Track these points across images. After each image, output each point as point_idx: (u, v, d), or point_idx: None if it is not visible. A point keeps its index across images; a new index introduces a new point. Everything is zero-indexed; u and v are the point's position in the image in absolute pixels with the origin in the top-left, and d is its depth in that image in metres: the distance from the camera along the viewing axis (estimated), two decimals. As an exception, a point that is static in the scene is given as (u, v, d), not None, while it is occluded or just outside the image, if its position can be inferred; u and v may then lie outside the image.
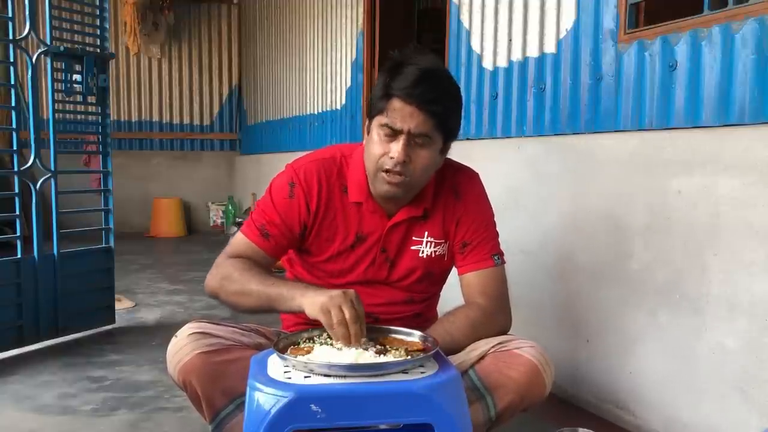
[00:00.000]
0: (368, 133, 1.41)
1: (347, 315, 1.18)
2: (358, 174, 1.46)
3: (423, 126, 1.33)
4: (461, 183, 1.53)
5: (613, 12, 1.98)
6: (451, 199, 1.51)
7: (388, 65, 1.38)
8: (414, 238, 1.50)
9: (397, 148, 1.34)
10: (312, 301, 1.23)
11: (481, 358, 1.39)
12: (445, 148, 1.44)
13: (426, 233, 1.51)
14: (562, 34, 2.20)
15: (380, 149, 1.36)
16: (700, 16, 1.70)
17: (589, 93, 2.08)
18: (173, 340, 1.36)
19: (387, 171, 1.36)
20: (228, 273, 1.40)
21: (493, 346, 1.39)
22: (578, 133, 2.13)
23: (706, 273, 1.67)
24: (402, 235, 1.50)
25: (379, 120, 1.36)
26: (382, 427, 1.25)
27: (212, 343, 1.33)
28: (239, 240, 1.47)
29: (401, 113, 1.33)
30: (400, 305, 1.53)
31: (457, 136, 1.46)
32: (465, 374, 1.37)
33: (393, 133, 1.35)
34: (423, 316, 1.59)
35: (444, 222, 1.51)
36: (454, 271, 1.62)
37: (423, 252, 1.51)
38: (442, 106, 1.35)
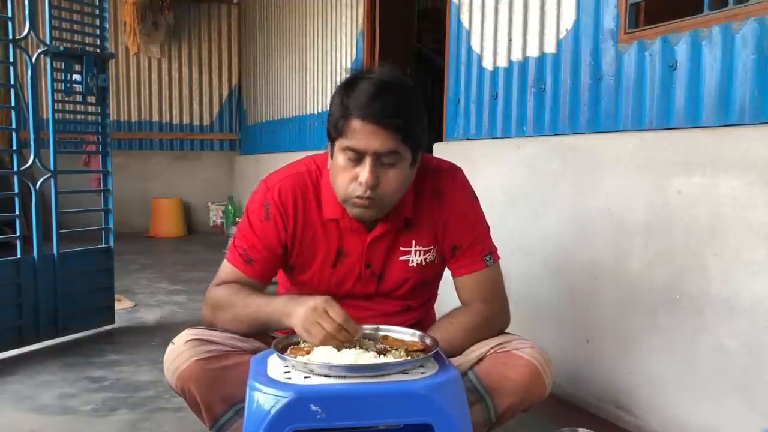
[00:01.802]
0: (331, 157, 1.34)
1: (327, 328, 1.17)
2: (332, 190, 1.38)
3: (388, 143, 1.25)
4: (442, 184, 1.45)
5: (613, 12, 1.98)
6: (434, 203, 1.44)
7: (342, 83, 1.31)
8: (401, 248, 1.44)
9: (364, 172, 1.26)
10: (295, 323, 1.22)
11: (481, 359, 1.39)
12: (415, 161, 1.34)
13: (413, 242, 1.44)
14: (562, 34, 2.20)
15: (346, 175, 1.29)
16: (700, 16, 1.70)
17: (589, 93, 2.08)
18: (170, 347, 1.35)
19: (357, 197, 1.29)
20: (217, 302, 1.39)
21: (492, 347, 1.39)
22: (578, 133, 2.13)
23: (706, 273, 1.67)
24: (387, 248, 1.44)
25: (340, 143, 1.28)
26: (382, 427, 1.25)
27: (210, 350, 1.32)
28: (226, 268, 1.44)
29: (362, 133, 1.24)
30: (397, 315, 1.49)
31: (425, 146, 1.37)
32: (464, 376, 1.36)
33: (358, 156, 1.27)
34: (422, 323, 1.53)
35: (430, 227, 1.45)
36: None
37: (413, 261, 1.45)
38: (404, 118, 1.25)
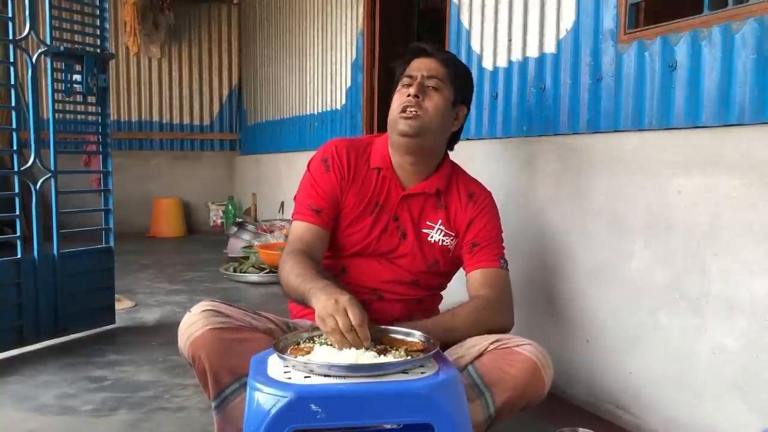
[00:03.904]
0: (394, 92, 1.61)
1: (340, 323, 1.19)
2: (382, 148, 1.64)
3: (434, 70, 1.56)
4: (476, 192, 1.67)
5: (612, 12, 1.98)
6: (467, 202, 1.64)
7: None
8: (428, 222, 1.62)
9: (412, 87, 1.55)
10: (315, 307, 1.27)
11: (481, 354, 1.40)
12: (460, 114, 1.66)
13: (440, 221, 1.62)
14: (562, 34, 2.20)
15: (399, 97, 1.57)
16: (700, 16, 1.70)
17: (588, 93, 2.08)
18: (186, 315, 1.41)
19: (404, 110, 1.54)
20: (282, 266, 1.52)
21: (492, 343, 1.40)
22: (578, 133, 2.13)
23: (706, 273, 1.67)
24: (416, 213, 1.62)
25: (400, 82, 1.59)
26: (386, 426, 1.25)
27: (224, 321, 1.37)
28: (295, 226, 1.61)
29: (417, 65, 1.58)
30: (406, 286, 1.61)
31: (470, 101, 1.68)
32: (464, 370, 1.38)
33: (410, 82, 1.56)
34: (425, 304, 1.64)
35: (457, 219, 1.63)
36: (458, 275, 1.64)
37: (432, 237, 1.62)
38: (450, 57, 1.62)
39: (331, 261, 1.65)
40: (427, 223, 1.62)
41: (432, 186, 1.62)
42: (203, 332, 1.34)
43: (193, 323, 1.36)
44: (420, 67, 1.57)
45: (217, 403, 1.36)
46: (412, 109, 1.53)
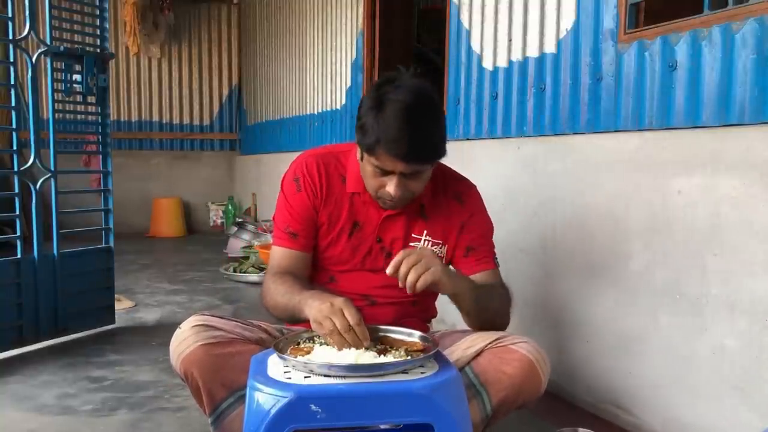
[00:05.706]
0: (360, 158, 1.43)
1: (337, 324, 1.19)
2: (357, 167, 1.51)
3: (414, 168, 1.36)
4: (464, 192, 1.59)
5: (613, 12, 1.98)
6: (454, 204, 1.56)
7: (370, 98, 1.35)
8: (413, 235, 1.55)
9: (391, 186, 1.38)
10: (309, 314, 1.26)
11: (478, 354, 1.41)
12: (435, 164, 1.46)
13: (425, 232, 1.55)
14: (562, 34, 2.20)
15: (375, 182, 1.41)
16: (700, 16, 1.70)
17: (589, 93, 2.08)
18: (176, 331, 1.39)
19: (386, 199, 1.42)
20: (266, 289, 1.50)
21: (489, 343, 1.41)
22: (578, 133, 2.13)
23: (706, 273, 1.67)
24: (400, 230, 1.54)
25: (369, 159, 1.37)
26: (383, 426, 1.25)
27: (215, 336, 1.35)
28: (274, 252, 1.56)
29: (391, 161, 1.34)
30: (398, 289, 1.52)
31: (446, 153, 1.41)
32: (462, 371, 1.38)
33: (385, 172, 1.37)
34: (420, 305, 1.61)
35: (445, 224, 1.56)
36: None
37: None
38: (429, 150, 1.35)
39: (316, 272, 1.60)
40: (413, 235, 1.55)
41: (415, 202, 1.52)
42: (194, 349, 1.32)
43: (184, 340, 1.34)
44: (395, 164, 1.34)
45: (214, 419, 1.35)
46: (395, 200, 1.42)
